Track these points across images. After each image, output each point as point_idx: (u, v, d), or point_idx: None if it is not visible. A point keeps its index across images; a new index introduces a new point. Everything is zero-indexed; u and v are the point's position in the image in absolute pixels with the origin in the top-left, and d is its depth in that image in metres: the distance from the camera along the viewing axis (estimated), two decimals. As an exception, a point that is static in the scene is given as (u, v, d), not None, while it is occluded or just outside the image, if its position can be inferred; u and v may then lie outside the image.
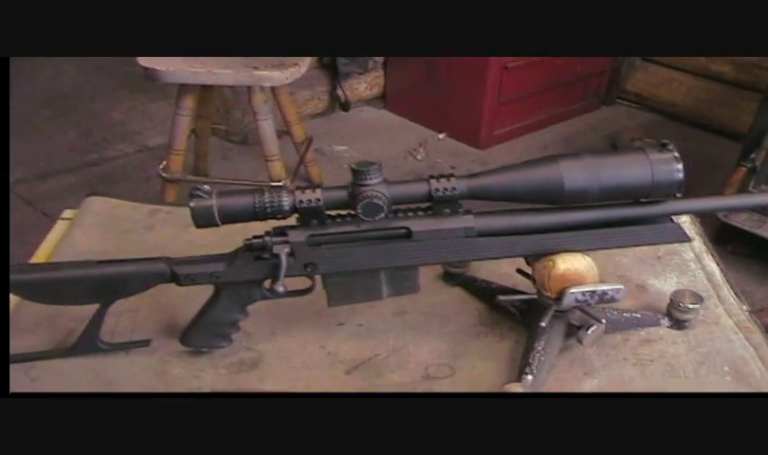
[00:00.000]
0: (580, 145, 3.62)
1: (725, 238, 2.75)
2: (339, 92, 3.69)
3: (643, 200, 0.98)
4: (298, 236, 0.97)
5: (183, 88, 2.32)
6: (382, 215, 0.94)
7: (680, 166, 0.94)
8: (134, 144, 3.47)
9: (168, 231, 1.34)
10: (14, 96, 3.75)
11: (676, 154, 0.94)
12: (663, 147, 0.95)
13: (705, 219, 2.77)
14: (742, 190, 2.54)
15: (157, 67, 2.19)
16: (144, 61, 2.21)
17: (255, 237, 0.98)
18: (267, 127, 2.43)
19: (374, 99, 3.91)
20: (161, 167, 2.53)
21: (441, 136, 3.64)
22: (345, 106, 3.72)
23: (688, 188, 2.93)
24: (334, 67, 3.64)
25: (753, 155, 2.51)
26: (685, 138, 3.68)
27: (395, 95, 3.87)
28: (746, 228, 2.60)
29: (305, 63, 2.37)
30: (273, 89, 2.48)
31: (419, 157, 3.47)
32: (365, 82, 3.80)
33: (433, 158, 3.47)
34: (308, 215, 0.96)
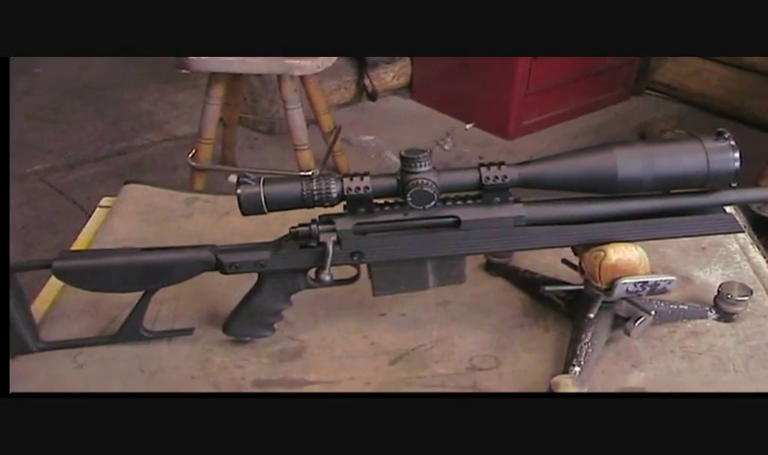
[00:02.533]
0: (609, 136, 3.58)
1: (758, 231, 2.70)
2: (366, 82, 3.68)
3: (695, 189, 0.96)
4: (345, 224, 0.96)
5: (213, 77, 2.32)
6: (432, 203, 0.93)
7: (736, 154, 0.92)
8: (161, 133, 3.48)
9: (206, 219, 1.34)
10: (44, 85, 3.79)
11: (732, 143, 0.92)
12: (718, 135, 0.93)
13: (737, 212, 2.75)
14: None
15: (188, 56, 2.18)
16: (176, 49, 2.20)
17: (301, 225, 0.97)
18: (297, 116, 2.42)
19: (401, 88, 3.89)
20: (190, 156, 2.52)
21: (468, 126, 3.62)
22: (372, 96, 3.71)
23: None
24: (361, 57, 3.63)
25: (788, 147, 2.47)
26: (716, 130, 3.62)
27: (422, 85, 3.85)
28: (780, 221, 2.56)
29: (336, 52, 2.36)
30: (302, 78, 2.47)
31: (446, 147, 3.45)
32: (392, 72, 3.79)
33: (461, 148, 3.45)
34: (356, 203, 0.95)
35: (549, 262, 1.13)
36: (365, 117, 3.69)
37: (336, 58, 2.36)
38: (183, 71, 2.28)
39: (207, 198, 1.41)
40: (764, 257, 1.26)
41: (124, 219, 1.32)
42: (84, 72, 3.92)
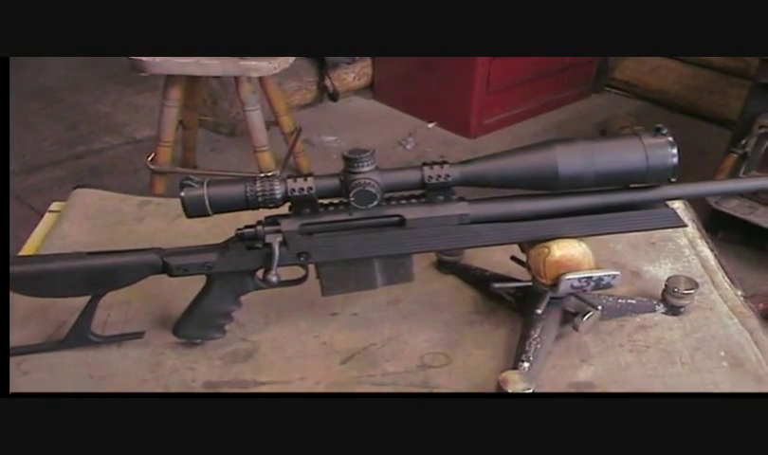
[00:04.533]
0: (570, 133, 3.62)
1: (716, 225, 2.75)
2: (327, 82, 3.68)
3: (638, 185, 0.97)
4: (290, 225, 0.96)
5: (170, 79, 2.30)
6: (375, 203, 0.93)
7: (674, 150, 0.93)
8: (121, 136, 3.44)
9: (158, 222, 1.33)
10: (-1, 89, 3.72)
11: (670, 139, 0.93)
12: (657, 131, 0.94)
13: (695, 206, 2.78)
14: (733, 176, 2.54)
15: (143, 58, 2.17)
16: (131, 52, 2.18)
17: (247, 227, 0.96)
18: (256, 118, 2.41)
19: (363, 89, 3.90)
20: (149, 159, 2.50)
21: (430, 125, 3.63)
22: (334, 96, 3.70)
23: (681, 174, 2.93)
24: (321, 58, 3.62)
25: (743, 142, 2.50)
26: (674, 126, 3.64)
27: (384, 85, 3.86)
28: (737, 215, 2.60)
29: (293, 54, 2.35)
30: (261, 80, 2.46)
31: (408, 147, 3.45)
32: (353, 73, 3.79)
33: (423, 148, 3.46)
34: (300, 204, 0.95)
35: (500, 259, 1.13)
36: (327, 117, 3.68)
37: (293, 59, 2.35)
38: (142, 74, 2.27)
39: (159, 201, 1.40)
40: (712, 250, 1.28)
41: (74, 224, 1.31)
42: (40, 75, 3.87)
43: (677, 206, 1.36)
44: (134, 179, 3.03)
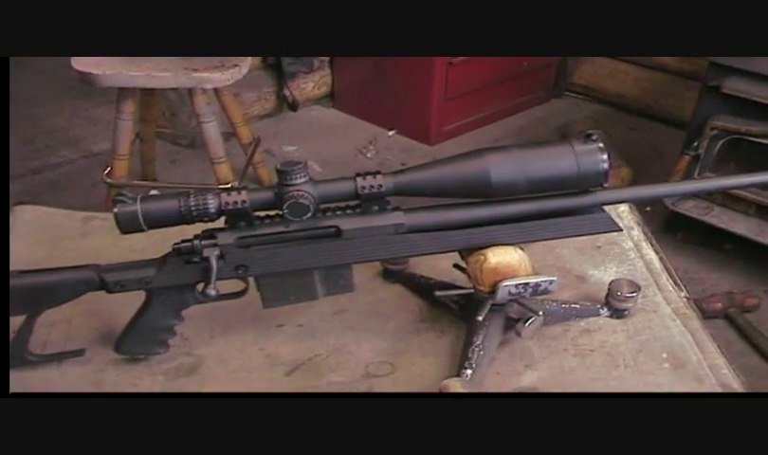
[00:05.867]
0: (531, 138, 3.64)
1: (675, 226, 2.78)
2: (286, 92, 3.66)
3: (572, 191, 0.98)
4: (226, 238, 0.95)
5: (122, 92, 2.28)
6: (309, 215, 0.93)
7: (605, 156, 0.94)
8: (78, 150, 3.40)
9: (103, 238, 1.31)
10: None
11: (600, 145, 0.94)
12: (587, 138, 0.95)
13: (655, 208, 2.82)
14: (687, 178, 2.57)
15: (93, 71, 2.14)
16: (79, 65, 2.16)
17: (184, 241, 0.96)
18: (211, 129, 2.40)
19: (323, 98, 3.89)
20: (105, 173, 2.48)
21: (391, 133, 3.64)
22: (293, 106, 3.69)
23: (638, 176, 2.97)
24: (279, 68, 3.61)
25: (696, 144, 2.54)
26: (633, 128, 3.72)
27: (344, 93, 3.85)
28: (694, 216, 2.64)
29: (246, 64, 2.34)
30: (216, 91, 2.45)
31: (369, 155, 3.46)
32: (312, 82, 3.78)
33: (384, 156, 3.46)
34: (235, 217, 0.95)
35: (446, 266, 1.13)
36: (287, 127, 3.67)
37: (246, 69, 2.34)
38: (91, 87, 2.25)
39: (105, 216, 1.38)
40: (657, 253, 1.29)
41: (15, 241, 1.29)
42: (-6, 88, 3.81)
43: (622, 209, 1.38)
44: (92, 193, 2.99)
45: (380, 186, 0.93)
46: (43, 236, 1.32)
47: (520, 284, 0.96)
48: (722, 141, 2.51)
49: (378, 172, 0.94)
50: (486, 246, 0.97)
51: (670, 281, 1.22)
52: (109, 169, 2.47)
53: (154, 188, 2.64)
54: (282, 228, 0.96)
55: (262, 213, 0.96)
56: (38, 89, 3.82)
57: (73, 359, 1.04)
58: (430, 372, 1.03)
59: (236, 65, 2.28)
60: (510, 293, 0.97)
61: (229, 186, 2.34)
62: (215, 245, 0.95)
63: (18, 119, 3.54)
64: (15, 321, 0.99)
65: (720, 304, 2.46)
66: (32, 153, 3.33)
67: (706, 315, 2.42)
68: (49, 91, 3.80)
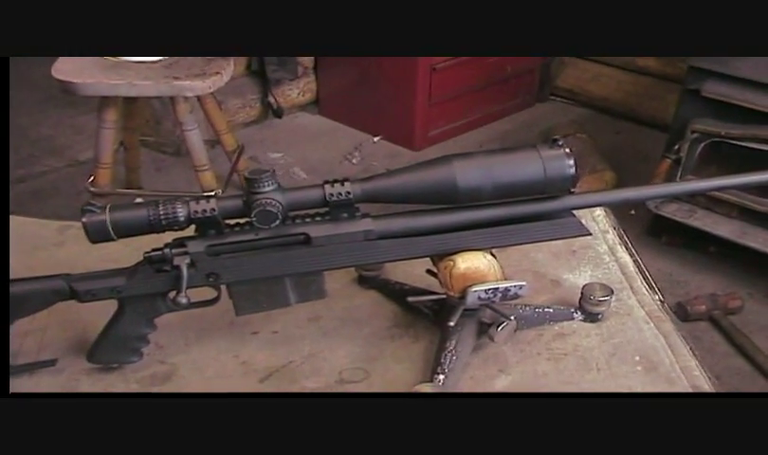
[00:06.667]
0: (515, 143, 3.64)
1: (659, 229, 2.80)
2: (271, 99, 3.66)
3: (541, 196, 0.98)
4: (197, 246, 0.96)
5: (104, 101, 2.28)
6: (277, 222, 0.93)
7: (571, 161, 0.94)
8: (63, 159, 3.40)
9: (79, 247, 1.30)
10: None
11: (567, 150, 0.94)
12: (553, 143, 0.95)
13: (639, 211, 2.83)
14: (669, 181, 2.58)
15: (74, 80, 2.14)
16: (59, 74, 2.16)
17: (155, 249, 0.96)
18: (194, 137, 2.40)
19: (308, 104, 3.90)
20: (89, 181, 2.48)
21: (376, 139, 3.65)
22: (278, 113, 3.69)
23: (622, 180, 2.98)
24: (263, 75, 3.61)
25: (676, 147, 2.55)
26: (618, 132, 3.74)
27: (329, 100, 3.86)
28: (677, 219, 2.65)
29: (228, 72, 2.34)
30: (199, 99, 2.45)
31: (354, 161, 3.46)
32: (297, 88, 3.79)
33: (369, 162, 3.47)
34: (205, 225, 0.95)
35: (421, 272, 1.13)
36: (272, 134, 3.68)
37: (227, 77, 2.34)
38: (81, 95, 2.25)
39: (81, 226, 1.37)
40: (632, 256, 1.30)
41: (-11, 251, 1.29)
42: (-26, 96, 3.80)
43: (597, 213, 1.39)
44: (77, 202, 2.97)
45: (348, 193, 0.93)
46: (17, 246, 1.30)
47: (489, 290, 0.97)
48: (702, 144, 2.52)
49: (346, 180, 0.94)
50: (456, 252, 0.98)
51: (645, 284, 1.23)
52: (92, 177, 2.46)
53: (138, 196, 2.64)
54: (251, 236, 0.96)
55: (233, 221, 0.97)
56: (22, 98, 3.80)
57: (46, 369, 1.04)
58: (404, 377, 1.04)
59: (218, 73, 2.28)
60: (480, 298, 0.97)
61: (213, 193, 2.34)
62: (186, 253, 0.95)
63: (2, 129, 3.53)
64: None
65: (704, 306, 2.47)
66: (17, 162, 3.32)
67: (690, 317, 2.44)
68: (34, 100, 3.79)
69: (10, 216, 1.37)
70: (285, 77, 3.65)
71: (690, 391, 1.01)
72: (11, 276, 1.00)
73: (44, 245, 1.32)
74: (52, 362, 1.04)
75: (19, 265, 1.21)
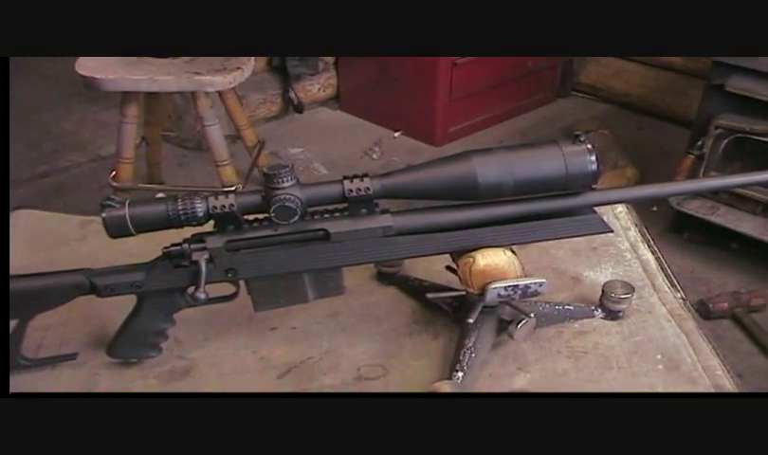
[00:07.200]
0: (536, 139, 3.63)
1: (681, 226, 2.77)
2: (292, 94, 3.66)
3: (562, 193, 0.98)
4: (215, 242, 0.96)
5: (126, 96, 2.29)
6: (296, 218, 0.93)
7: (593, 157, 0.93)
8: (86, 154, 3.41)
9: (100, 242, 1.30)
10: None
11: (589, 146, 0.94)
12: (575, 138, 0.94)
13: (661, 208, 2.80)
14: (692, 177, 2.55)
15: (97, 76, 2.15)
16: (82, 69, 2.17)
17: (174, 245, 0.96)
18: (215, 132, 2.40)
19: (329, 100, 3.89)
20: (111, 176, 2.49)
21: (396, 134, 3.64)
22: (299, 108, 3.69)
23: (645, 176, 2.95)
24: (284, 70, 3.61)
25: (700, 143, 2.52)
26: (640, 127, 3.71)
27: (349, 95, 3.86)
28: (699, 215, 2.62)
29: (249, 67, 2.34)
30: (220, 94, 2.46)
31: (375, 157, 3.46)
32: (318, 84, 3.78)
33: (389, 157, 3.46)
34: (224, 221, 0.95)
35: (441, 269, 1.13)
36: (293, 129, 3.68)
37: (248, 73, 2.34)
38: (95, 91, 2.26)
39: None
40: (654, 254, 1.29)
41: (12, 245, 1.27)
42: (1, 94, 3.83)
43: (620, 210, 1.38)
44: (99, 197, 2.94)
45: (367, 189, 0.93)
46: (40, 241, 1.32)
47: (509, 287, 0.96)
48: (726, 140, 2.50)
49: (366, 175, 0.94)
50: (475, 249, 0.97)
51: (667, 281, 1.22)
52: (114, 172, 2.48)
53: (159, 190, 2.65)
54: (270, 232, 0.96)
55: (251, 217, 0.97)
56: (45, 94, 3.84)
57: (67, 363, 1.04)
58: (423, 374, 1.03)
59: (239, 68, 2.28)
60: (499, 295, 0.96)
61: (233, 189, 2.35)
62: (204, 248, 0.96)
63: (25, 125, 3.57)
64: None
65: (726, 304, 2.44)
66: (40, 157, 3.35)
67: (713, 315, 2.41)
68: (57, 96, 3.82)
69: (33, 211, 1.39)
70: (306, 72, 3.65)
71: (712, 390, 1.00)
72: (34, 270, 1.01)
73: (66, 240, 1.33)
74: (73, 356, 1.05)
75: (41, 260, 1.23)
